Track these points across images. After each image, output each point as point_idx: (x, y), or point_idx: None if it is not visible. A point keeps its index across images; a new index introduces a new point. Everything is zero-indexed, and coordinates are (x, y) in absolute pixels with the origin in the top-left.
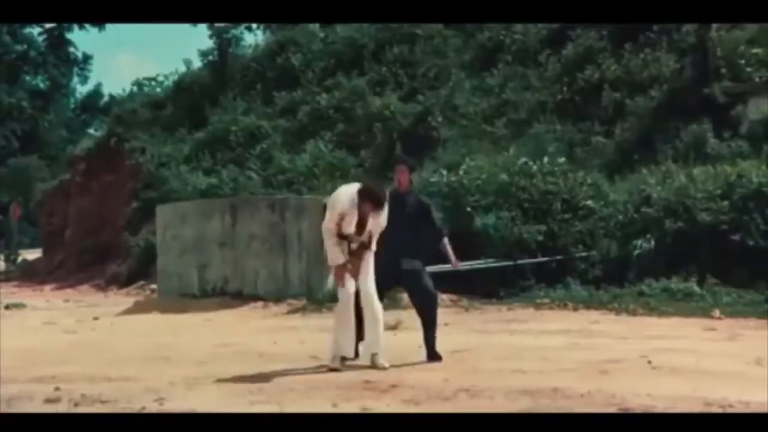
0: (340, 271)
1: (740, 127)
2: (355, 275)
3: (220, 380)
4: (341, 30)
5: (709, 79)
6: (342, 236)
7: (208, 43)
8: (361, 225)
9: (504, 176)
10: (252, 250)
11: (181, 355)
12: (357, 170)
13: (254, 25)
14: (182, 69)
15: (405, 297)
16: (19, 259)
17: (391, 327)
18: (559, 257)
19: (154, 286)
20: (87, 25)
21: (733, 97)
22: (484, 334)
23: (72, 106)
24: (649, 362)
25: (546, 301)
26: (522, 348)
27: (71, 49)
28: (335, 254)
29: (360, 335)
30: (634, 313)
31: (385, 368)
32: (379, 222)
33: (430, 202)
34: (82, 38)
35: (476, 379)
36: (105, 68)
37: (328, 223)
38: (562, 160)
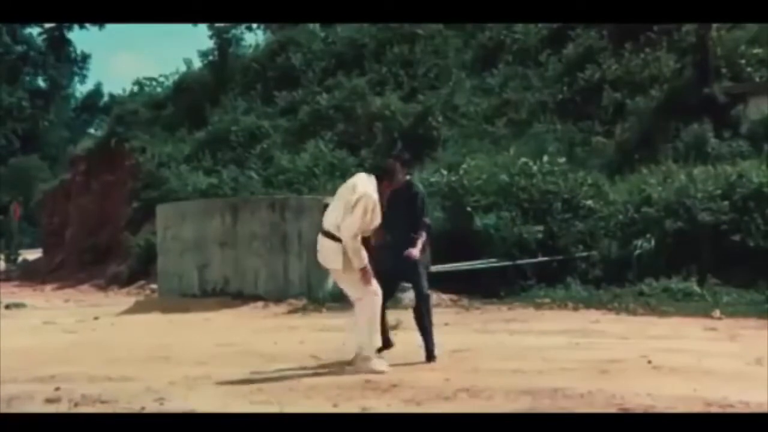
0: (368, 269)
1: (740, 127)
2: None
3: (220, 380)
4: (341, 30)
5: (709, 79)
6: (363, 235)
7: (208, 43)
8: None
9: (504, 176)
10: (252, 250)
11: (181, 355)
12: (357, 170)
13: (254, 25)
14: (182, 69)
15: (405, 297)
16: (20, 259)
17: (392, 327)
18: (559, 257)
19: (154, 286)
20: (87, 25)
21: (733, 97)
22: (484, 334)
23: (72, 106)
24: (650, 362)
25: (546, 301)
26: (522, 348)
27: (70, 49)
28: (362, 255)
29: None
30: (634, 313)
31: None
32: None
33: (423, 193)
34: (82, 38)
35: (476, 379)
36: (105, 68)
37: (356, 229)
38: (562, 160)
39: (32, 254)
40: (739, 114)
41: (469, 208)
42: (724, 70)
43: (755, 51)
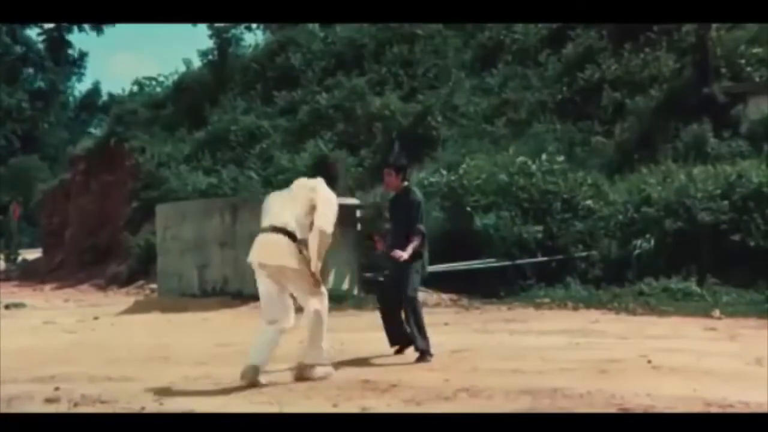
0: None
1: (740, 127)
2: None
3: (219, 380)
4: (341, 30)
5: (709, 78)
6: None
7: (208, 43)
8: None
9: (504, 176)
10: None
11: (181, 355)
12: (357, 170)
13: (254, 25)
14: (182, 69)
15: None
16: (19, 258)
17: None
18: (559, 257)
19: (154, 286)
20: (86, 26)
21: (733, 97)
22: (484, 334)
23: (71, 105)
24: (649, 362)
25: (546, 300)
26: (522, 348)
27: (69, 51)
28: (323, 255)
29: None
30: (634, 313)
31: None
32: None
33: (419, 200)
34: (81, 37)
35: (476, 379)
36: (104, 68)
37: (332, 227)
38: (561, 158)
39: (32, 254)
40: (739, 114)
41: (468, 208)
42: (723, 70)
43: (755, 51)
